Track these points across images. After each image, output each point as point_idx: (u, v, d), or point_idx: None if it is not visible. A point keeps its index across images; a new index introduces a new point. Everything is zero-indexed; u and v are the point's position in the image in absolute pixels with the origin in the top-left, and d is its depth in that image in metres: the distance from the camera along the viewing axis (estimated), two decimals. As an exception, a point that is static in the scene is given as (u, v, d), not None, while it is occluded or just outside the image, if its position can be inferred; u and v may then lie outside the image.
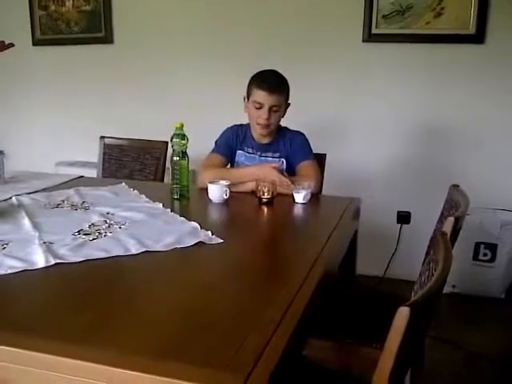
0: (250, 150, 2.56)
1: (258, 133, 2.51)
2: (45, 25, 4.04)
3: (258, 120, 2.44)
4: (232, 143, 2.59)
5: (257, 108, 2.43)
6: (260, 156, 2.54)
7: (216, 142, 2.62)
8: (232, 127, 2.63)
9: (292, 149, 2.51)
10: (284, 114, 2.50)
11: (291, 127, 2.59)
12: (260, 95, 2.41)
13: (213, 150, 2.59)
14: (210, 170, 2.45)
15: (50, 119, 4.22)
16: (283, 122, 2.56)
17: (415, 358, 1.65)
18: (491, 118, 3.30)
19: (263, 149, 2.55)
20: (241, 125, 2.62)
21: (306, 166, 2.44)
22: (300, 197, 2.22)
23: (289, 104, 2.51)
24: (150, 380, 0.95)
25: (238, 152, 2.58)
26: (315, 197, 2.33)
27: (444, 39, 3.26)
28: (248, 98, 2.48)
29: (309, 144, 2.53)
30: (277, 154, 2.53)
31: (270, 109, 2.40)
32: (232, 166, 2.61)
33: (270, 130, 2.48)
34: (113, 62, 3.97)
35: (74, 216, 1.97)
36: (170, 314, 1.21)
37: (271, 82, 2.41)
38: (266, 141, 2.54)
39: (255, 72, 2.49)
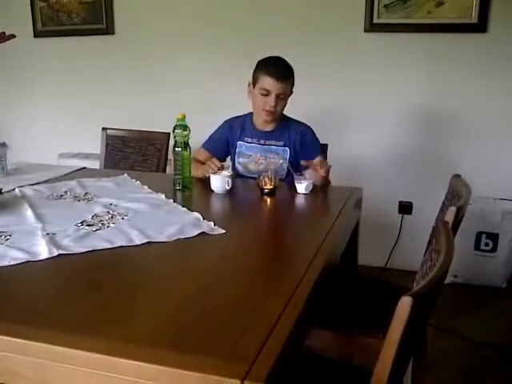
0: (250, 140, 2.57)
1: (262, 119, 2.51)
2: (46, 16, 4.03)
3: (265, 107, 2.43)
4: (227, 137, 2.61)
5: (263, 95, 2.42)
6: (264, 144, 2.55)
7: (209, 137, 2.64)
8: (227, 121, 2.64)
9: (302, 143, 2.52)
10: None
11: (293, 117, 2.60)
12: (268, 82, 2.40)
13: (202, 144, 2.64)
14: (192, 161, 2.45)
15: (52, 111, 4.22)
16: (285, 111, 2.57)
17: (417, 348, 1.66)
18: (493, 107, 3.29)
19: (266, 136, 2.55)
20: (237, 117, 2.63)
21: None
22: (302, 187, 2.22)
23: (291, 92, 2.51)
24: (152, 370, 0.96)
25: (238, 143, 2.59)
26: (317, 187, 2.33)
27: (446, 28, 3.24)
28: (254, 85, 2.46)
29: (318, 140, 2.56)
30: (280, 142, 2.53)
31: (277, 96, 2.40)
32: (233, 157, 2.62)
33: (275, 117, 2.49)
34: (114, 54, 3.96)
35: (77, 207, 1.98)
36: (173, 304, 1.21)
37: (280, 70, 2.41)
38: (268, 128, 2.55)
39: (256, 61, 2.49)
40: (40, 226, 1.70)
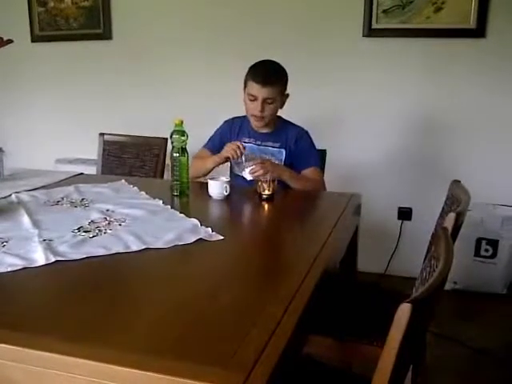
0: (247, 140, 2.56)
1: (253, 125, 2.53)
2: (43, 21, 4.03)
3: (253, 112, 2.45)
4: (226, 137, 2.61)
5: (251, 100, 2.44)
6: (260, 145, 2.55)
7: (210, 137, 2.65)
8: (227, 121, 2.66)
9: (298, 148, 2.51)
10: (283, 105, 2.50)
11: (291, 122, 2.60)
12: (253, 88, 2.42)
13: (204, 145, 2.65)
14: (195, 161, 2.54)
15: (49, 116, 4.22)
16: (284, 116, 2.57)
17: (416, 355, 1.64)
18: (492, 112, 3.29)
19: (263, 138, 2.55)
20: (236, 117, 2.64)
21: (311, 172, 2.48)
22: (246, 173, 2.27)
23: (288, 95, 2.51)
24: (150, 378, 0.94)
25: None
26: (316, 193, 2.33)
27: (445, 34, 3.25)
28: (244, 90, 2.49)
29: (315, 146, 2.56)
30: (277, 144, 2.53)
31: (263, 101, 2.41)
32: None
33: (265, 122, 2.49)
34: (111, 59, 3.96)
35: (74, 213, 1.96)
36: (170, 311, 1.20)
37: (264, 75, 2.41)
38: (266, 130, 2.55)
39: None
40: (37, 232, 1.68)
